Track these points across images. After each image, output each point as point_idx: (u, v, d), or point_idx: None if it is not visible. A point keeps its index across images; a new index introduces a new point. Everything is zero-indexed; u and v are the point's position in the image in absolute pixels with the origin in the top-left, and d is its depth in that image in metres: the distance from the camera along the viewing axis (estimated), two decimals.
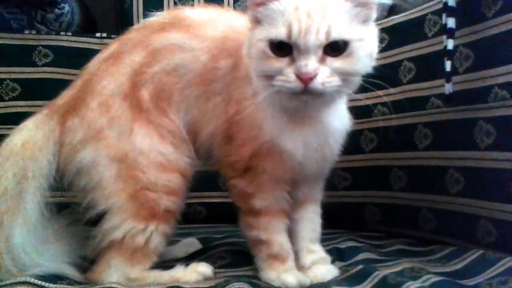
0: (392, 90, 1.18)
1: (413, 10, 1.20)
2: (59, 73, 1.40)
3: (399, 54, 1.21)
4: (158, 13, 0.94)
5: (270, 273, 0.83)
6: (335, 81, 0.71)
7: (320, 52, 0.70)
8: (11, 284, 0.73)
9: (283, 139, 0.81)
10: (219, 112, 0.87)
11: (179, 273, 0.85)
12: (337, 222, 1.32)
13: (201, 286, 0.80)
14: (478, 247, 0.94)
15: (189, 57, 0.88)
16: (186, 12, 0.94)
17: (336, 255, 0.97)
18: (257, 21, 0.76)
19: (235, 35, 0.87)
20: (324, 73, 0.70)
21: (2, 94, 1.36)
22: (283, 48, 0.71)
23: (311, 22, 0.69)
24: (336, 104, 0.83)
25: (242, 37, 0.83)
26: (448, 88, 0.96)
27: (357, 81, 0.76)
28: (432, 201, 1.09)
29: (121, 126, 0.85)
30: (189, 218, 1.36)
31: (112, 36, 1.46)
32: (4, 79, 1.37)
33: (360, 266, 0.86)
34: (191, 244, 1.10)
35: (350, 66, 0.71)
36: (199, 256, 1.01)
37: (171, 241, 1.05)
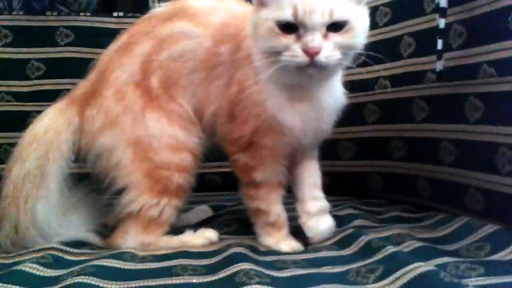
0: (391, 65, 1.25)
1: None
2: (80, 52, 1.49)
3: (400, 29, 1.25)
4: (164, 4, 1.02)
5: (267, 239, 0.93)
6: (337, 54, 0.79)
7: (324, 30, 0.78)
8: (38, 250, 0.84)
9: (284, 115, 0.88)
10: (221, 93, 0.94)
11: (188, 237, 0.95)
12: (342, 190, 1.40)
13: (205, 249, 0.89)
14: (468, 215, 1.00)
15: (194, 44, 0.95)
16: (190, 2, 1.00)
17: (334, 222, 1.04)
18: (261, 3, 0.83)
19: (235, 22, 0.94)
20: (328, 48, 0.78)
21: (28, 74, 1.46)
22: (289, 27, 0.79)
23: (315, 3, 0.76)
24: (333, 80, 0.91)
25: (241, 24, 0.91)
26: (438, 65, 1.00)
27: (354, 55, 0.85)
28: (427, 171, 1.16)
29: (134, 112, 0.93)
30: (204, 186, 1.46)
31: (128, 14, 1.53)
32: (30, 59, 1.46)
33: (350, 231, 0.95)
34: (203, 211, 1.19)
35: (350, 40, 0.80)
36: (209, 223, 1.11)
37: (185, 208, 1.15)
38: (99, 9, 1.62)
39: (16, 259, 0.82)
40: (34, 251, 0.84)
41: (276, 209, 0.94)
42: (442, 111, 1.11)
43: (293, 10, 0.77)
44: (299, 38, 0.78)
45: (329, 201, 1.28)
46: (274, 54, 0.81)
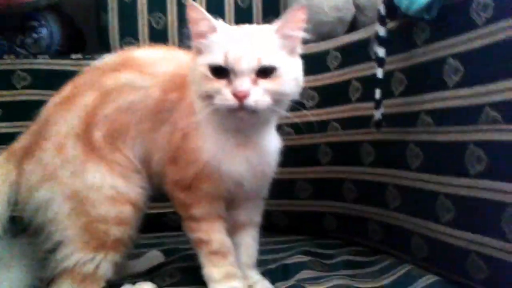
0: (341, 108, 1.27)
1: (361, 31, 1.25)
2: (37, 94, 1.47)
3: (349, 73, 1.26)
4: (109, 55, 1.02)
5: (212, 271, 0.92)
6: (267, 100, 0.82)
7: (253, 75, 0.81)
8: None
9: (222, 161, 0.89)
10: (167, 139, 0.94)
11: None
12: (300, 230, 1.40)
13: None
14: (414, 261, 1.02)
15: (142, 95, 0.95)
16: (136, 52, 1.01)
17: (281, 273, 1.04)
18: (199, 51, 0.87)
19: (182, 72, 0.95)
20: (257, 92, 0.81)
21: None
22: (221, 72, 0.82)
23: (244, 50, 0.81)
24: (270, 126, 0.94)
25: (188, 73, 0.92)
26: (377, 114, 1.01)
27: (286, 102, 0.87)
28: (377, 214, 1.16)
29: (73, 165, 0.91)
30: (164, 226, 1.45)
31: (87, 56, 1.53)
32: None
33: (291, 283, 0.95)
34: (155, 257, 1.17)
35: (279, 87, 0.83)
36: (158, 270, 1.10)
37: (138, 253, 1.14)
38: (61, 51, 1.62)
39: None
40: None
41: (219, 237, 0.94)
42: (387, 156, 1.12)
43: (224, 56, 0.81)
44: (230, 83, 0.81)
45: (284, 242, 1.30)
46: (208, 98, 0.84)
